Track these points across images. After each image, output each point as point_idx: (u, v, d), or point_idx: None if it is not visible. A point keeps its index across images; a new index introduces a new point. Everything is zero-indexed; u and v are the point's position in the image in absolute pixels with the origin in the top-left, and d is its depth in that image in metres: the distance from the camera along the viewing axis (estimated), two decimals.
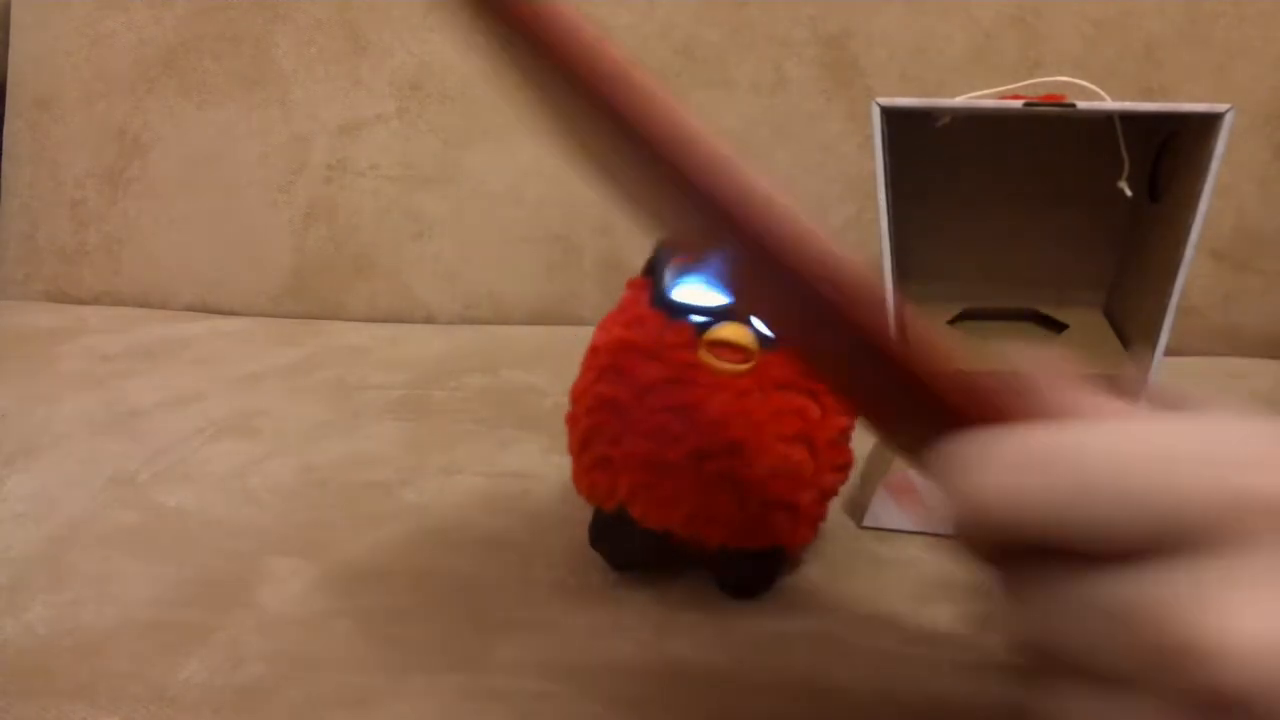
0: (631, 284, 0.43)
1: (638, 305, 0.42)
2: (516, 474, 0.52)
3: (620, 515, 0.41)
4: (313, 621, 0.41)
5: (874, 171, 0.61)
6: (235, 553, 0.46)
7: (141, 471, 0.54)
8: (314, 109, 0.85)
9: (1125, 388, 0.25)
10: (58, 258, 0.88)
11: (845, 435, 0.42)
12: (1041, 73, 0.72)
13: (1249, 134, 0.75)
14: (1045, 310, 0.73)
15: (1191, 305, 0.76)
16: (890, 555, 0.46)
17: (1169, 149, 0.66)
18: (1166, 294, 0.60)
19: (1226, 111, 0.57)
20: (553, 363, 0.65)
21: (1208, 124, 0.58)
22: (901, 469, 0.49)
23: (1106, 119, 0.66)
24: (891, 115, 0.61)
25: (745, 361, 0.40)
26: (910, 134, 0.65)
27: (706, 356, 0.39)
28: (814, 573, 0.44)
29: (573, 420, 0.42)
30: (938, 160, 0.71)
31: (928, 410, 0.23)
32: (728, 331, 0.39)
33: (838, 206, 0.81)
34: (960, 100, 0.64)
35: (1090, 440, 0.20)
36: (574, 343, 0.43)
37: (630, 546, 0.43)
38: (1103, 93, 0.63)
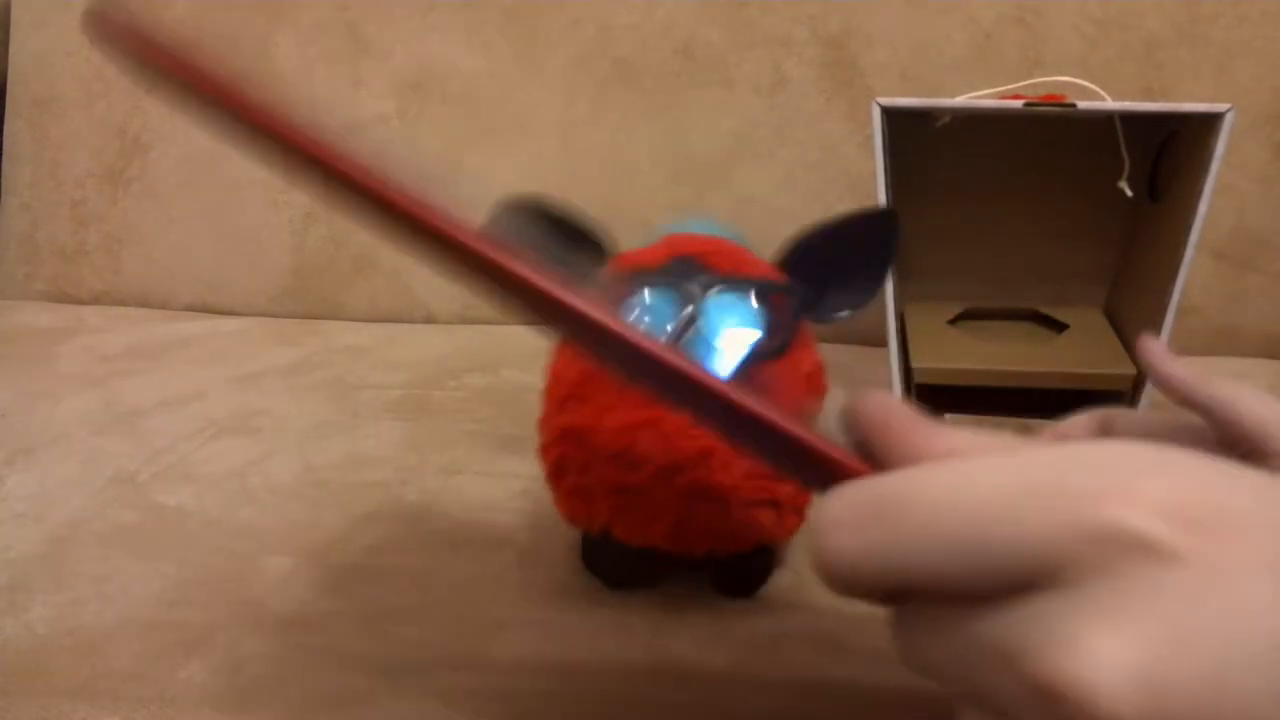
0: None
1: None
2: (516, 474, 0.52)
3: (606, 537, 0.41)
4: (313, 621, 0.41)
5: (874, 171, 0.62)
6: (235, 552, 0.46)
7: (141, 471, 0.54)
8: (314, 109, 0.85)
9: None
10: (58, 257, 0.88)
11: (811, 418, 0.42)
12: (1041, 73, 0.72)
13: (1249, 134, 0.75)
14: (1045, 310, 0.73)
15: (1191, 305, 0.76)
16: None
17: (1169, 149, 0.66)
18: (1166, 294, 0.60)
19: (1226, 111, 0.57)
20: None
21: (1208, 124, 0.58)
22: None
23: (1106, 119, 0.66)
24: (891, 115, 0.61)
25: None
26: (910, 134, 0.65)
27: None
28: (811, 571, 0.44)
29: (543, 451, 0.42)
30: (938, 160, 0.71)
31: (796, 465, 0.24)
32: None
33: (838, 206, 0.80)
34: (960, 100, 0.64)
35: (928, 486, 0.20)
36: None
37: (621, 565, 0.43)
38: (1103, 93, 0.63)
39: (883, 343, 0.63)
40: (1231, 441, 0.31)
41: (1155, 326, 0.61)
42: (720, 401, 0.24)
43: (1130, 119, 0.66)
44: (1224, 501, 0.19)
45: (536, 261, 0.24)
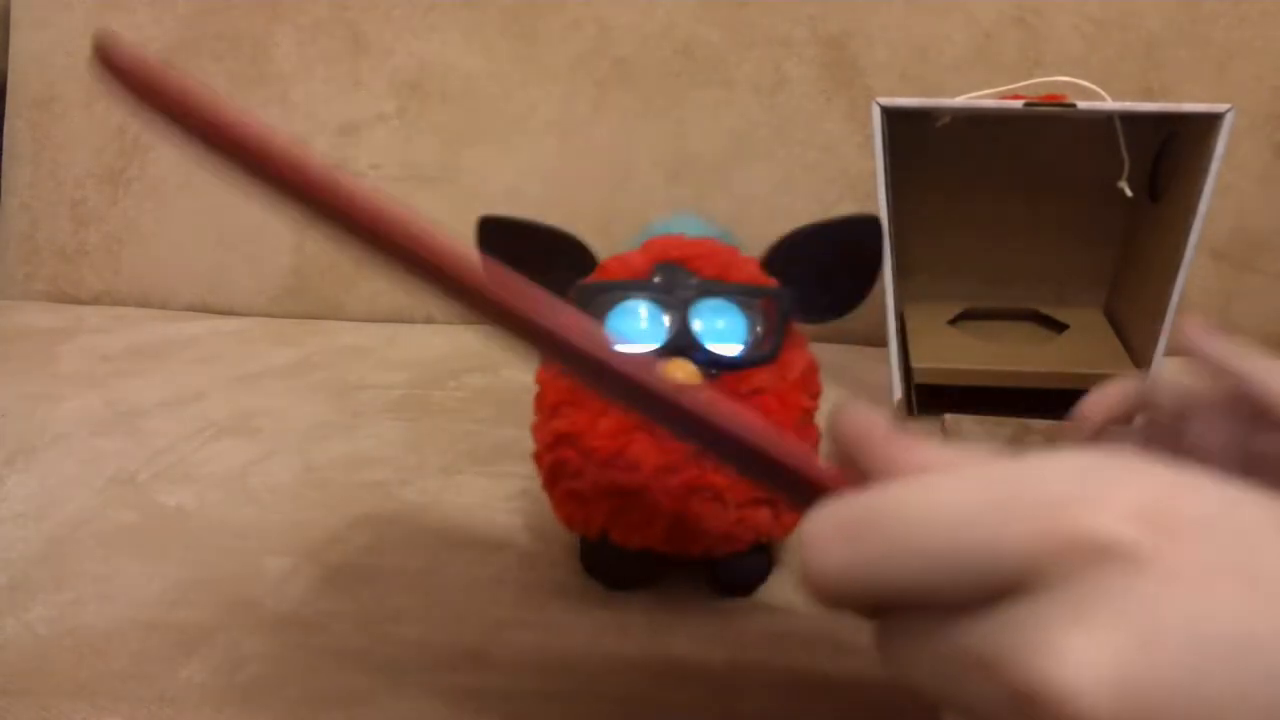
0: None
1: None
2: (516, 474, 0.52)
3: (604, 541, 0.41)
4: (312, 621, 0.41)
5: (874, 171, 0.62)
6: (235, 552, 0.46)
7: (141, 471, 0.54)
8: (314, 109, 0.85)
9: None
10: (58, 257, 0.88)
11: (809, 416, 0.42)
12: (1041, 72, 0.72)
13: (1249, 134, 0.75)
14: (1045, 310, 0.73)
15: (1191, 305, 0.76)
16: None
17: (1169, 149, 0.66)
18: (1166, 294, 0.60)
19: (1226, 111, 0.57)
20: None
21: (1208, 124, 0.58)
22: None
23: (1106, 119, 0.66)
24: (891, 115, 0.61)
25: None
26: (910, 134, 0.65)
27: None
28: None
29: (538, 459, 0.42)
30: (938, 160, 0.71)
31: (778, 482, 0.24)
32: (677, 372, 0.39)
33: (838, 206, 0.81)
34: (960, 100, 0.65)
35: (903, 502, 0.21)
36: None
37: (620, 568, 0.43)
38: (1103, 93, 0.63)
39: (883, 343, 0.63)
40: (1260, 412, 0.33)
41: (1155, 326, 0.61)
42: (700, 424, 0.24)
43: (1130, 119, 0.66)
44: (1190, 508, 0.19)
45: (521, 287, 0.24)
